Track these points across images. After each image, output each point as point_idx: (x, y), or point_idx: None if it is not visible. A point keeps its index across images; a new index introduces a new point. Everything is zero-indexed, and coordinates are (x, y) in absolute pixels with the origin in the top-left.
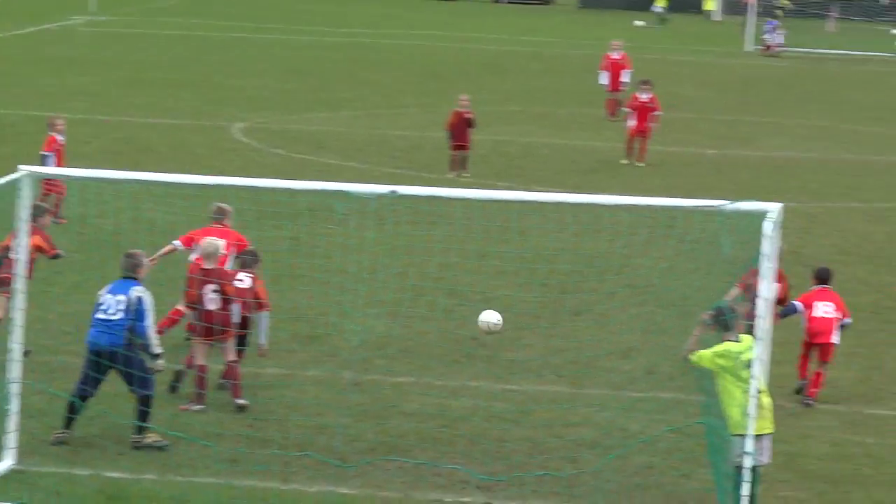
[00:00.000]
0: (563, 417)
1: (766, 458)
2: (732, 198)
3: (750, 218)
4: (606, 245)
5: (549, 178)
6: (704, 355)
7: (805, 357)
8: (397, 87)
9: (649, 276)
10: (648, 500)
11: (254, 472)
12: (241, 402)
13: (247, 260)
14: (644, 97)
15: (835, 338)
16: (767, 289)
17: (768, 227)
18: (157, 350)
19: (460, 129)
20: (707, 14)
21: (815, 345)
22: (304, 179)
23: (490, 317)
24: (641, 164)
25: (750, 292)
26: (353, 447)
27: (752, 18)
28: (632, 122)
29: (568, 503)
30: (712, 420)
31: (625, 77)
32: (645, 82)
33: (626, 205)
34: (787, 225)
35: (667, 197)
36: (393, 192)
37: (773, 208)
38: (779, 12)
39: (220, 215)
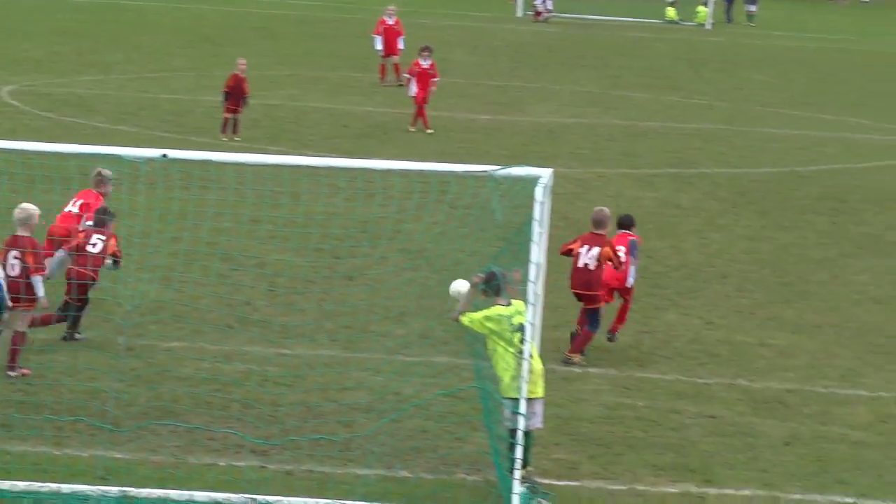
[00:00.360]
0: (338, 381)
1: (538, 422)
2: (504, 163)
3: (522, 183)
4: (379, 210)
5: (320, 142)
6: (475, 318)
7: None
8: (168, 50)
9: (422, 242)
10: (423, 463)
11: (26, 437)
12: (13, 374)
13: (101, 219)
14: (425, 64)
15: (629, 280)
16: (538, 254)
17: (539, 192)
18: (10, 304)
19: (237, 93)
20: None
21: (615, 290)
22: (74, 143)
23: (462, 286)
24: (414, 129)
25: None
26: (126, 412)
27: None
28: (414, 89)
29: (343, 467)
30: (485, 384)
31: (400, 43)
32: (425, 48)
33: (398, 170)
34: (558, 190)
35: (439, 162)
36: (164, 155)
37: (545, 174)
38: None
39: (99, 181)
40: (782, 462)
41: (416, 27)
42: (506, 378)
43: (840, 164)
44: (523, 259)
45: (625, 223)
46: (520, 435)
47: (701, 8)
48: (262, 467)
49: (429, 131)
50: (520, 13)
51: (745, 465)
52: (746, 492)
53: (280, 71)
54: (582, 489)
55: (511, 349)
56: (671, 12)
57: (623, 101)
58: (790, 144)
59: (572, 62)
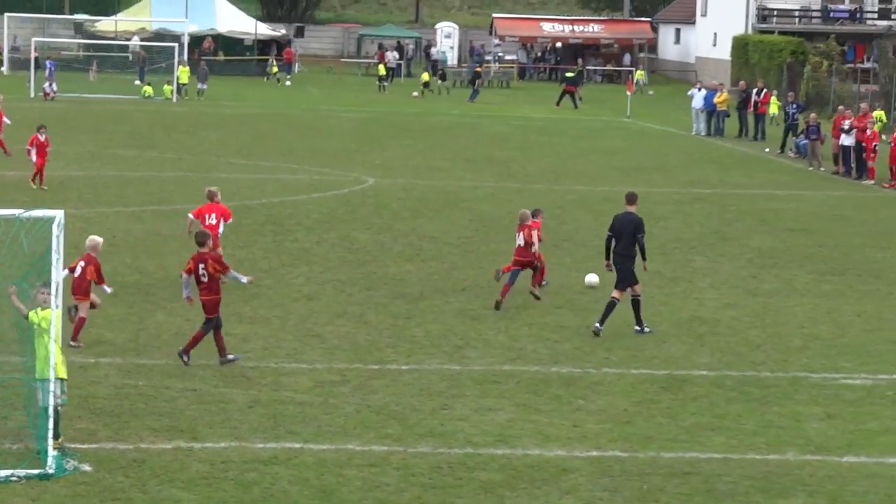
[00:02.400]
0: None
1: (63, 399)
2: (27, 207)
3: (42, 222)
4: None
5: None
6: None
7: None
8: None
9: None
10: None
11: None
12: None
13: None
14: (42, 137)
15: (535, 248)
16: (56, 274)
17: (55, 228)
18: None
19: None
20: None
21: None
22: None
23: (592, 278)
24: (45, 187)
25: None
26: None
27: (33, 72)
28: (35, 157)
29: None
30: (23, 375)
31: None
32: (42, 127)
33: None
34: (69, 227)
35: None
36: None
37: (58, 214)
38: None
39: (212, 195)
40: (248, 420)
41: None
42: (38, 365)
43: (278, 198)
44: (47, 279)
45: (534, 213)
46: (51, 411)
47: (167, 86)
48: None
49: (44, 188)
50: (32, 94)
51: (221, 424)
52: (223, 444)
53: None
54: (100, 450)
55: (43, 342)
56: (148, 90)
57: (115, 157)
58: (241, 185)
59: (76, 129)
